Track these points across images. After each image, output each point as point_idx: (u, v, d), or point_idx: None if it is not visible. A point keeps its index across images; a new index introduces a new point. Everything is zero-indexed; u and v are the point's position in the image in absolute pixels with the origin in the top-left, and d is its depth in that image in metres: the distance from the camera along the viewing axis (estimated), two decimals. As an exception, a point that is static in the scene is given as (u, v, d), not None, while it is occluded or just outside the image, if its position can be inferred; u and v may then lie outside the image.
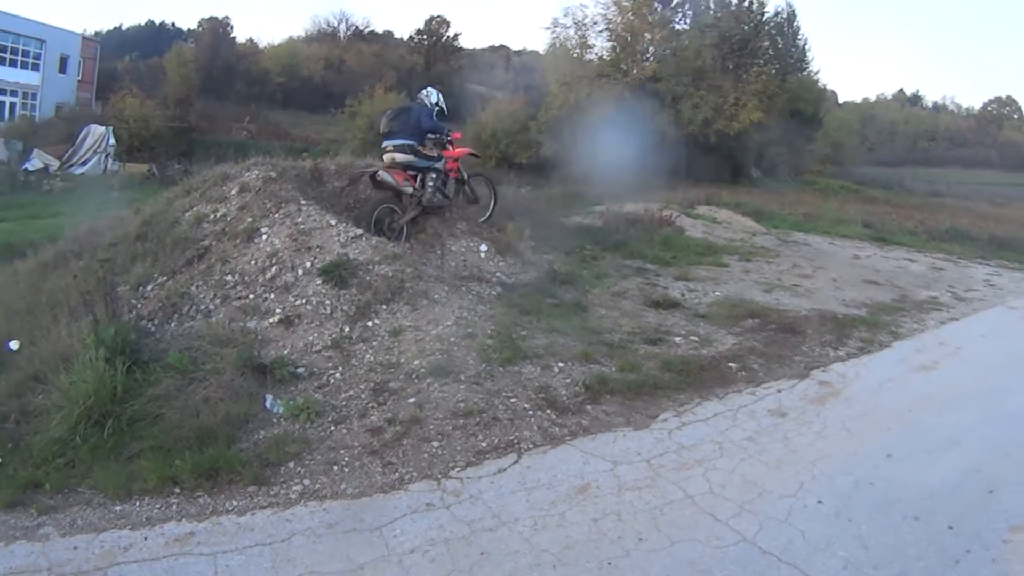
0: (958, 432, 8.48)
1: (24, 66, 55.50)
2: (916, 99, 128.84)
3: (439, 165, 12.86)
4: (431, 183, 12.74)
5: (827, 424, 8.45)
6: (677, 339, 11.04)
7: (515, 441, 7.47)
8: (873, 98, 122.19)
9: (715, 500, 6.57)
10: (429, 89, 13.85)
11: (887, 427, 8.53)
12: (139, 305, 9.93)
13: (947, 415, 9.08)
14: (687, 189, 36.40)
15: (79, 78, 60.03)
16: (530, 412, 8.07)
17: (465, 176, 14.23)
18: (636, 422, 8.14)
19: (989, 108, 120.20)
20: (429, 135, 13.36)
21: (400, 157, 12.65)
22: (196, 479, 6.40)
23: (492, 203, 14.73)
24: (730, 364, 10.21)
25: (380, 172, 12.64)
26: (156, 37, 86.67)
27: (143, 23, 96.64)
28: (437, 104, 13.54)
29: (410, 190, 12.65)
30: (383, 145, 13.01)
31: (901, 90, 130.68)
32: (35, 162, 38.09)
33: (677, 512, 6.34)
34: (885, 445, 7.98)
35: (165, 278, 10.38)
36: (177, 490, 6.34)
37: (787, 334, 11.88)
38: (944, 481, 7.22)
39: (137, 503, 6.19)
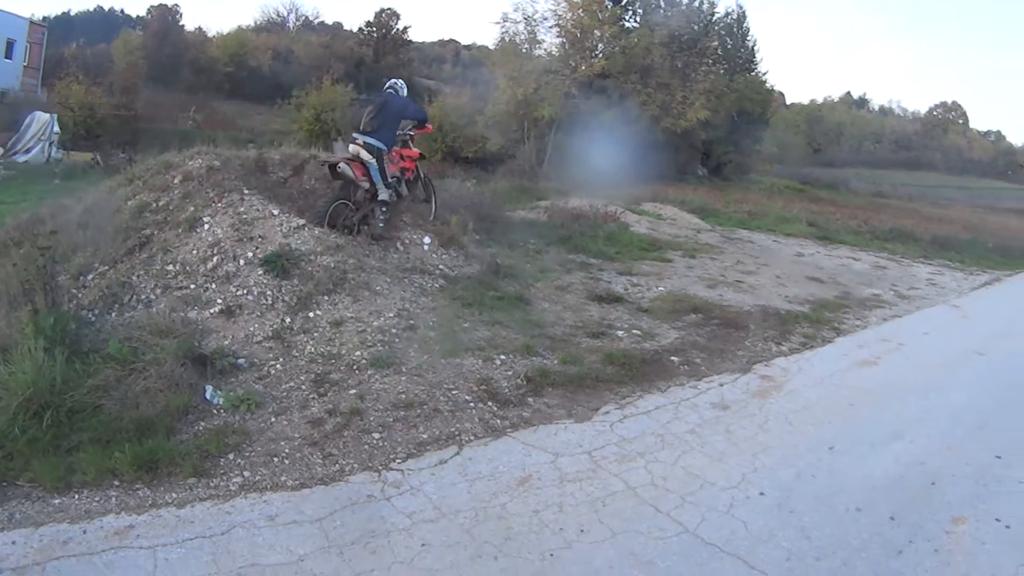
0: (900, 426, 8.60)
1: (-30, 50, 54.68)
2: (863, 102, 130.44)
3: (385, 194, 12.71)
4: (381, 214, 12.69)
5: (769, 417, 8.54)
6: (620, 333, 11.10)
7: (456, 433, 7.46)
8: (820, 100, 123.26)
9: (657, 492, 6.59)
10: (398, 81, 13.74)
11: (829, 420, 8.63)
12: (79, 295, 9.84)
13: (889, 409, 9.21)
14: (633, 185, 36.50)
15: (25, 63, 59.05)
16: (471, 404, 8.08)
17: (421, 175, 14.29)
18: (578, 415, 8.17)
19: (935, 112, 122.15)
20: (414, 125, 13.77)
21: (364, 156, 12.58)
22: (136, 471, 6.30)
23: (434, 202, 14.78)
24: (672, 358, 10.28)
25: (341, 164, 12.59)
26: (104, 23, 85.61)
27: (92, 8, 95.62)
28: (407, 97, 13.56)
29: (366, 186, 12.60)
30: (354, 137, 12.90)
31: (848, 93, 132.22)
32: (-24, 149, 37.57)
33: (619, 504, 6.35)
34: (827, 438, 8.08)
35: (106, 267, 10.28)
36: (117, 483, 6.24)
37: (730, 329, 12.00)
38: (886, 473, 7.33)
39: (76, 496, 6.09)
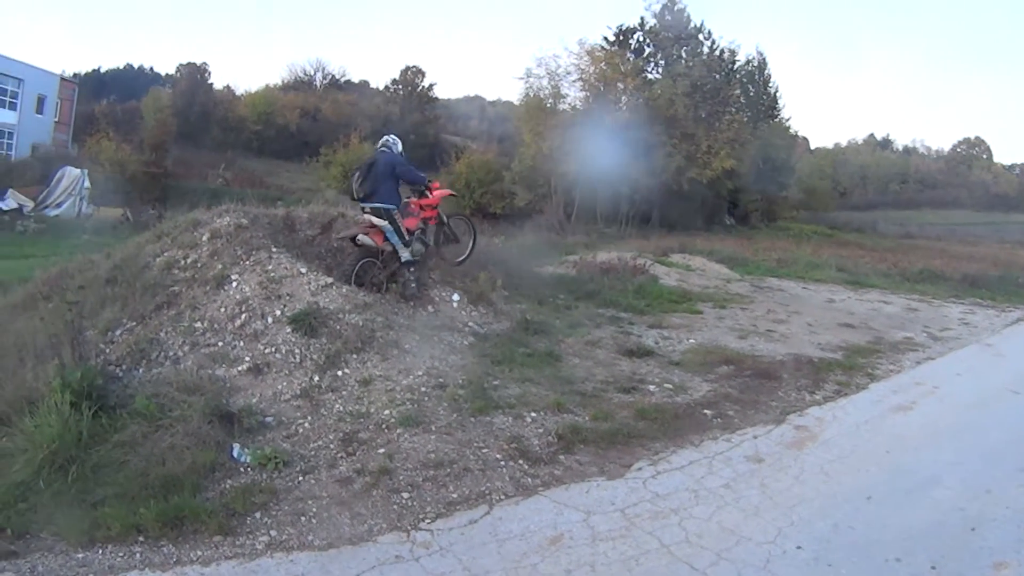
0: (938, 471, 8.46)
1: (1, 104, 55.26)
2: (886, 143, 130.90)
3: (407, 254, 12.57)
4: (410, 274, 12.59)
5: (804, 468, 8.39)
6: (651, 387, 10.96)
7: (486, 492, 7.36)
8: (844, 143, 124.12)
9: (692, 549, 6.46)
10: (393, 137, 13.43)
11: (865, 469, 8.49)
12: (107, 350, 9.81)
13: (926, 454, 9.07)
14: (661, 237, 36.66)
15: (56, 119, 59.81)
16: (502, 462, 7.98)
17: (445, 218, 14.15)
18: (610, 471, 8.04)
19: (958, 149, 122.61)
20: (410, 185, 13.35)
21: (378, 221, 12.47)
22: (161, 528, 6.25)
23: (471, 243, 14.66)
24: (705, 411, 10.15)
25: (360, 236, 12.52)
26: (134, 81, 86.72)
27: (121, 66, 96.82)
28: (401, 153, 13.21)
29: (391, 248, 12.54)
30: (362, 206, 12.79)
31: (872, 134, 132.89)
32: (9, 202, 38.01)
33: (653, 562, 6.23)
34: (864, 487, 7.93)
35: (134, 323, 10.28)
36: (141, 539, 6.19)
37: (762, 379, 11.84)
38: (925, 521, 7.19)
39: (100, 551, 6.05)
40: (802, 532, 6.84)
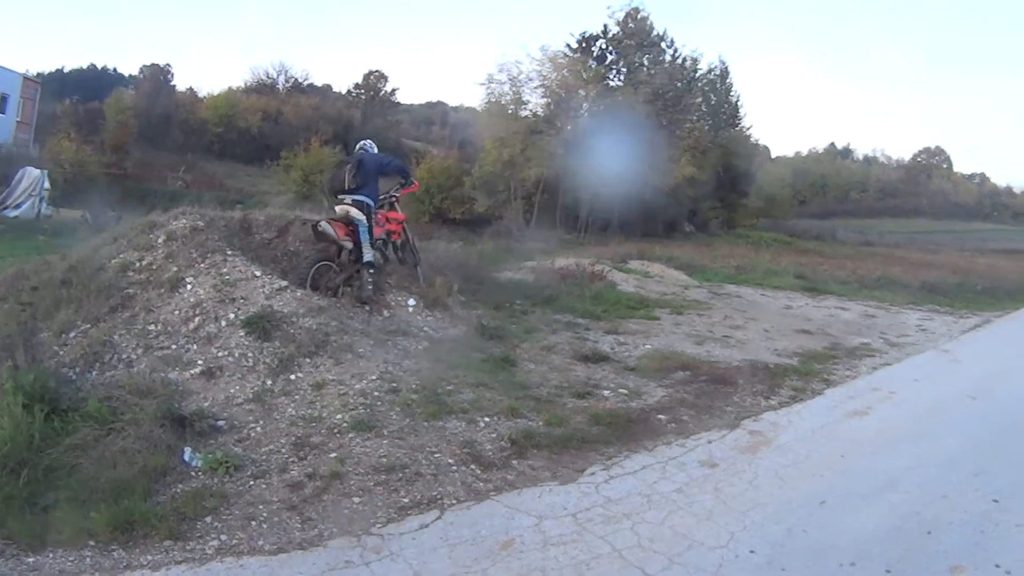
0: (893, 475, 8.48)
1: (-37, 103, 54.84)
2: (847, 152, 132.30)
3: (370, 255, 12.70)
4: (368, 276, 12.63)
5: (759, 473, 8.40)
6: (606, 392, 10.99)
7: (438, 497, 7.33)
8: (805, 152, 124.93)
9: (644, 554, 6.45)
10: (368, 142, 13.84)
11: (820, 474, 8.50)
12: (61, 352, 9.77)
13: (882, 459, 9.10)
14: (620, 243, 36.77)
15: (18, 119, 59.19)
16: (454, 467, 7.96)
17: (409, 238, 14.33)
18: (563, 476, 8.03)
19: (919, 159, 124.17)
20: (399, 179, 13.95)
21: (355, 214, 12.64)
22: (111, 532, 6.20)
23: (419, 267, 14.79)
24: (659, 416, 10.16)
25: (322, 223, 12.65)
26: (97, 81, 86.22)
27: (85, 66, 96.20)
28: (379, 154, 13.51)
29: (350, 246, 12.64)
30: (342, 198, 12.96)
31: (832, 143, 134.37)
32: (-32, 203, 37.63)
33: (604, 567, 6.22)
34: (819, 492, 7.95)
35: (88, 325, 10.22)
36: (92, 543, 6.13)
37: (718, 385, 11.88)
38: (881, 525, 7.20)
39: (51, 555, 6.00)
40: (755, 536, 6.84)
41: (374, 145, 13.70)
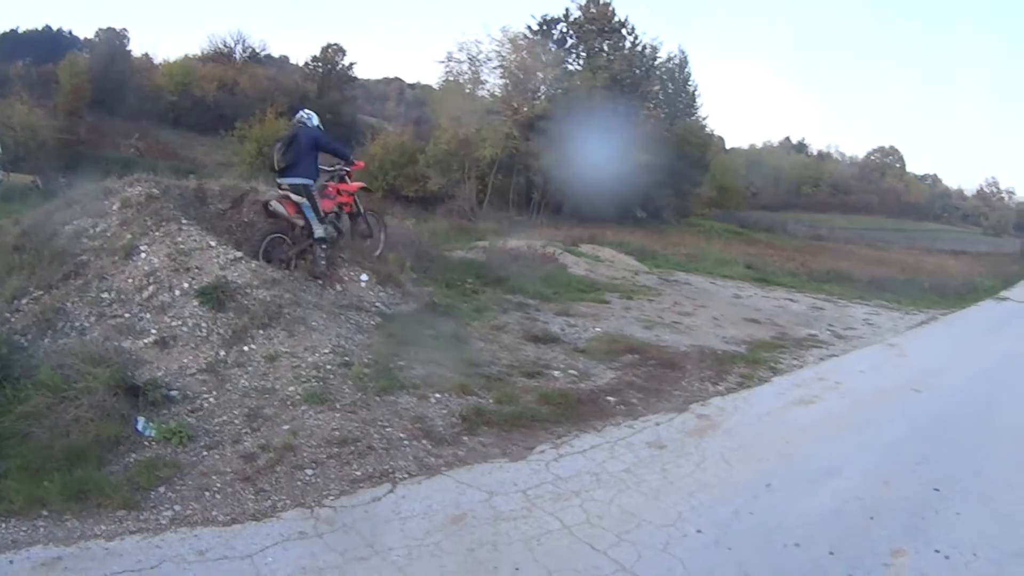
0: (837, 462, 8.63)
1: (-91, 63, 53.90)
2: (802, 147, 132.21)
3: (320, 231, 12.57)
4: (321, 251, 12.58)
5: (706, 456, 8.51)
6: (556, 373, 11.10)
7: (390, 471, 7.40)
8: (759, 144, 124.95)
9: (593, 530, 6.54)
10: (307, 111, 13.40)
11: (766, 458, 8.64)
12: (12, 319, 9.73)
13: (826, 446, 9.26)
14: (571, 227, 36.72)
15: (-31, 80, 58.44)
16: (406, 442, 8.02)
17: (361, 210, 14.21)
18: (513, 454, 8.13)
19: (872, 157, 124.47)
20: (335, 164, 13.52)
21: (295, 198, 12.48)
22: (65, 501, 6.21)
23: (382, 238, 14.71)
24: (608, 398, 10.29)
25: (272, 202, 12.59)
26: (52, 44, 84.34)
27: (40, 28, 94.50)
28: (318, 126, 13.14)
29: (302, 223, 12.56)
30: (279, 181, 12.76)
31: (787, 138, 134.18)
32: (-84, 165, 37.10)
33: (554, 542, 6.30)
34: (764, 475, 8.08)
35: (41, 292, 10.16)
36: (45, 512, 6.14)
37: (666, 369, 12.03)
38: (824, 509, 7.33)
39: (3, 525, 5.97)
40: (702, 517, 6.95)
41: (313, 115, 13.25)
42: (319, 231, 12.54)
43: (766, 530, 6.78)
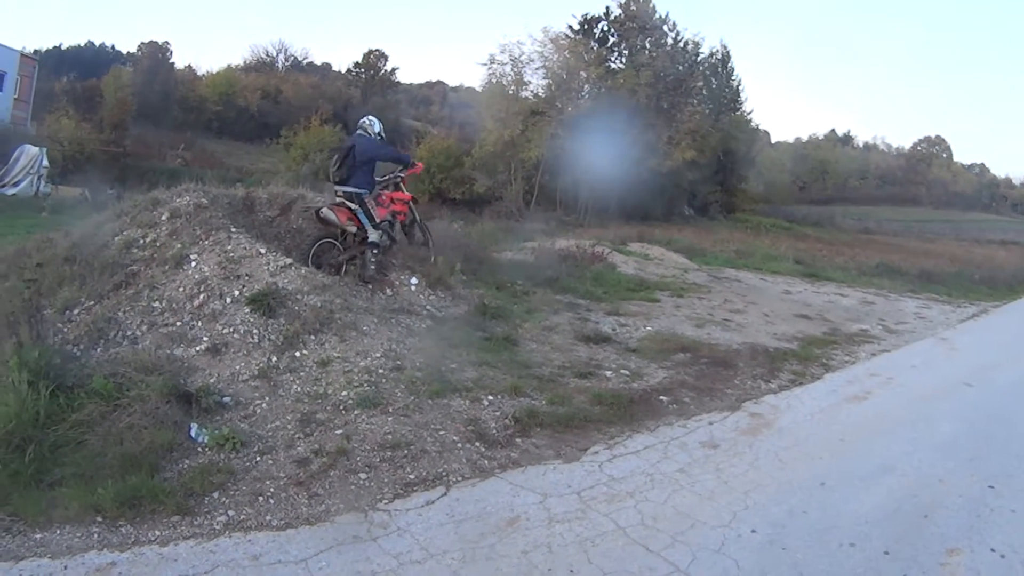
0: (891, 459, 8.53)
1: (-41, 80, 54.47)
2: (847, 139, 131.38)
3: (375, 235, 12.63)
4: (372, 257, 12.61)
5: (759, 455, 8.44)
6: (608, 373, 11.02)
7: (443, 474, 7.36)
8: (805, 138, 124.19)
9: (647, 531, 6.48)
10: (370, 118, 13.49)
11: (820, 456, 8.54)
12: (65, 329, 9.78)
13: (880, 443, 9.14)
14: (619, 226, 36.64)
15: (15, 96, 58.69)
16: (459, 445, 7.98)
17: (417, 217, 14.28)
18: (566, 455, 8.07)
19: (919, 147, 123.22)
20: (388, 174, 13.66)
21: (349, 205, 12.60)
22: (119, 508, 6.21)
23: (430, 245, 14.68)
24: (661, 397, 10.20)
25: (323, 209, 12.66)
26: (95, 59, 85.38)
27: (83, 43, 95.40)
28: (380, 134, 13.28)
29: (354, 229, 12.64)
30: (335, 189, 12.91)
31: (833, 130, 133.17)
32: (-34, 179, 37.43)
33: (609, 544, 6.24)
34: (818, 474, 7.98)
35: (92, 302, 10.24)
36: (99, 519, 6.14)
37: (718, 367, 11.92)
38: (879, 507, 7.24)
39: (58, 531, 5.99)
40: (757, 516, 6.88)
41: (375, 122, 13.37)
42: (373, 236, 12.58)
43: (821, 529, 6.71)
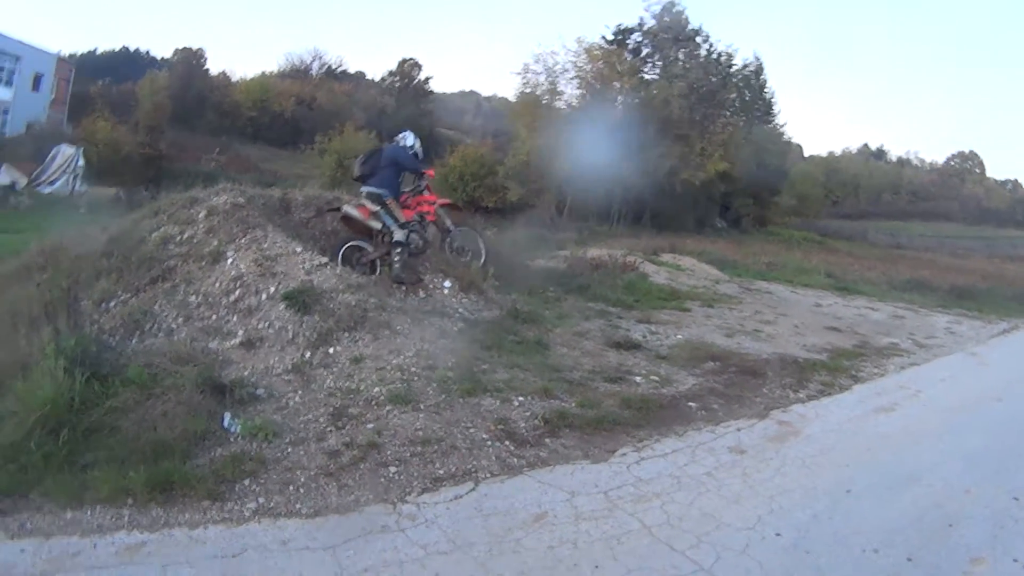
0: (918, 470, 8.49)
1: (-3, 80, 55.01)
2: (880, 153, 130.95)
3: (400, 234, 12.75)
4: (396, 255, 12.70)
5: (786, 461, 8.42)
6: (637, 378, 11.01)
7: (472, 470, 7.41)
8: (838, 152, 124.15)
9: (673, 531, 6.50)
10: (406, 132, 13.78)
11: (846, 464, 8.51)
12: (101, 320, 9.93)
13: (907, 453, 9.11)
14: (651, 237, 36.73)
15: (52, 98, 59.30)
16: (488, 443, 8.03)
17: (449, 226, 14.37)
18: (594, 456, 8.09)
19: (952, 163, 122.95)
20: (410, 173, 13.68)
21: (371, 205, 12.79)
22: (150, 491, 6.32)
23: (483, 249, 14.85)
24: (690, 403, 10.18)
25: (346, 207, 12.85)
26: (130, 63, 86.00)
27: (118, 49, 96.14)
28: (413, 148, 13.52)
29: (378, 225, 12.78)
30: (361, 191, 13.14)
31: (865, 144, 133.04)
32: (3, 177, 37.75)
33: (634, 542, 6.28)
34: (844, 481, 7.97)
35: (129, 295, 10.39)
36: (130, 501, 6.25)
37: (748, 376, 11.87)
38: (904, 515, 7.23)
39: (89, 512, 6.12)
40: (782, 520, 6.88)
41: (409, 136, 13.68)
42: (399, 235, 12.68)
43: (845, 535, 6.71)
